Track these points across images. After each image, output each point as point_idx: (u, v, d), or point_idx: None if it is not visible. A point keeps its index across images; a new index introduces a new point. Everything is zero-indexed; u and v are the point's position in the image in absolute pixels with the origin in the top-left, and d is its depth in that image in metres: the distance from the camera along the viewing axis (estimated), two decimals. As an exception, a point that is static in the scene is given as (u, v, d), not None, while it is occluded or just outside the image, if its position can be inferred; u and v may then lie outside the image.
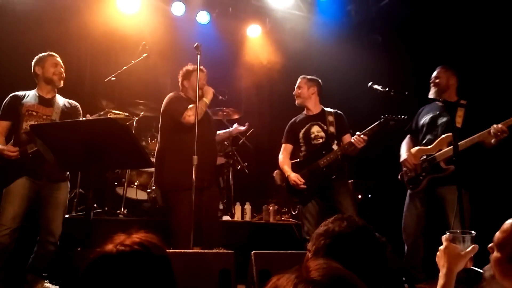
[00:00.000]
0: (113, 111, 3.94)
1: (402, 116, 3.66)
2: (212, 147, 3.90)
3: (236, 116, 5.42)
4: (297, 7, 6.33)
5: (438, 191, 3.53)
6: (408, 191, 3.75)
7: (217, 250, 2.41)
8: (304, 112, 4.02)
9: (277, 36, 6.46)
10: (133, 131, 4.91)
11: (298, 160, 3.94)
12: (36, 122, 3.22)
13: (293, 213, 4.36)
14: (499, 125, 3.26)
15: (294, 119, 4.05)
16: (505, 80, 4.22)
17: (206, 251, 2.44)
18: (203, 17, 6.17)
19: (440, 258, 1.60)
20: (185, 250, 2.47)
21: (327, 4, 6.14)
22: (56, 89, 3.51)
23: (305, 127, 3.91)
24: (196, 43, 3.65)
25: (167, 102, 3.75)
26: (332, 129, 3.84)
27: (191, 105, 3.61)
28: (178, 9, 5.99)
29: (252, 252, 2.54)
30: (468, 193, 3.37)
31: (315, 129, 3.87)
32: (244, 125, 4.45)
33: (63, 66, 3.52)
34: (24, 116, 3.27)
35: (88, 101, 4.83)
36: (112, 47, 5.70)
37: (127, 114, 4.02)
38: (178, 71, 6.22)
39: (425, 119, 3.75)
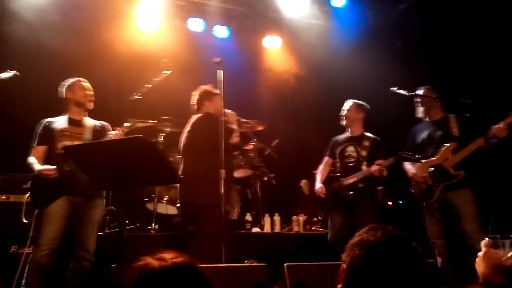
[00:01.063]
0: (140, 120, 4.03)
1: (416, 156, 3.80)
2: (233, 166, 4.03)
3: (260, 128, 5.42)
4: (314, 16, 6.33)
5: (446, 197, 3.66)
6: (423, 204, 3.80)
7: (249, 264, 2.40)
8: (348, 132, 4.32)
9: (296, 46, 6.48)
10: (160, 147, 4.98)
11: (332, 174, 4.29)
12: (70, 141, 3.34)
13: (320, 218, 4.47)
14: (500, 125, 3.42)
15: (338, 136, 4.38)
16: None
17: (239, 264, 2.43)
18: (222, 31, 6.25)
19: (480, 265, 1.56)
20: (218, 265, 2.47)
21: (344, 11, 6.12)
22: (86, 112, 3.63)
23: (343, 146, 4.23)
24: (218, 59, 3.67)
25: (207, 122, 3.74)
26: (364, 153, 4.11)
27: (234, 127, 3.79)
28: (197, 25, 6.08)
29: (285, 264, 2.51)
30: (473, 195, 3.59)
31: (350, 149, 4.18)
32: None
33: (92, 89, 3.65)
34: (58, 137, 3.39)
35: (113, 120, 4.92)
36: (134, 65, 5.80)
37: (155, 121, 4.12)
38: (200, 86, 6.33)
39: (422, 136, 3.90)
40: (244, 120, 4.25)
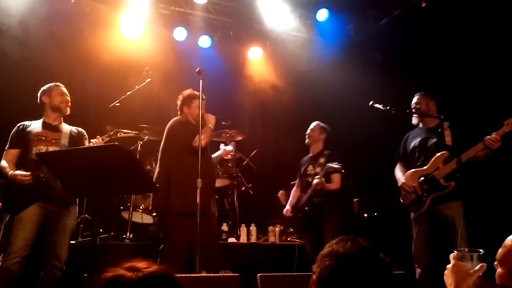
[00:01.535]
0: (122, 130, 3.99)
1: (337, 166, 4.13)
2: (212, 171, 4.00)
3: (239, 138, 5.45)
4: (297, 28, 6.43)
5: (437, 209, 3.55)
6: (412, 215, 3.75)
7: (223, 274, 2.41)
8: (310, 152, 4.54)
9: (279, 57, 6.55)
10: (137, 155, 4.95)
11: (302, 194, 4.49)
12: (45, 146, 3.29)
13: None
14: (493, 135, 3.34)
15: (304, 157, 4.62)
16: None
17: (212, 274, 2.43)
18: (204, 41, 6.29)
19: (448, 277, 1.59)
20: (192, 274, 2.46)
21: (327, 24, 6.22)
22: (62, 117, 3.58)
23: (305, 166, 4.47)
24: (198, 68, 3.70)
25: (178, 126, 3.80)
26: (318, 169, 4.29)
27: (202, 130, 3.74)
28: (180, 34, 6.10)
29: (258, 275, 2.53)
30: (463, 208, 3.42)
31: (309, 168, 4.41)
32: (230, 144, 4.79)
33: (68, 95, 3.61)
34: (34, 141, 3.32)
35: (93, 126, 4.87)
36: (117, 72, 5.79)
37: (136, 132, 4.09)
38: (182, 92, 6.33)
39: (414, 143, 3.80)
40: (224, 123, 4.25)
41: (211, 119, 3.85)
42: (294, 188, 4.65)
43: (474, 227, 3.40)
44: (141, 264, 1.17)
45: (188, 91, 3.98)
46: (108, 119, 5.08)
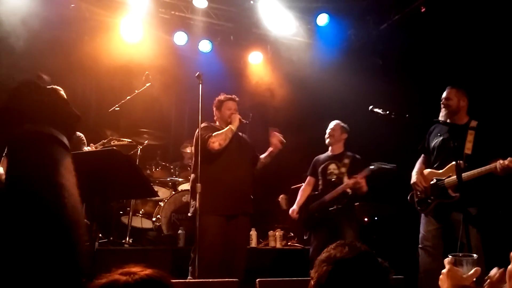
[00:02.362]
0: (116, 138, 3.98)
1: (390, 166, 3.93)
2: (245, 174, 3.86)
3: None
4: (298, 33, 6.44)
5: (452, 216, 3.45)
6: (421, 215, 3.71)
7: (221, 279, 2.39)
8: (329, 151, 4.41)
9: (279, 62, 6.56)
10: (137, 160, 4.95)
11: (315, 193, 4.32)
12: None
13: (305, 237, 4.42)
14: (506, 162, 3.15)
15: (320, 155, 4.45)
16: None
17: (210, 280, 2.42)
18: (205, 45, 6.29)
19: (443, 282, 1.59)
20: (189, 280, 2.45)
21: (327, 29, 6.22)
22: None
23: (324, 164, 4.29)
24: (198, 73, 3.71)
25: (200, 131, 3.72)
26: (343, 169, 4.16)
27: (216, 132, 3.68)
28: (180, 38, 6.11)
29: (257, 280, 2.51)
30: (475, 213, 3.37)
31: (332, 167, 4.23)
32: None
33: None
34: None
35: (93, 131, 4.90)
36: (117, 77, 5.80)
37: (130, 140, 4.07)
38: (181, 100, 6.33)
39: (436, 141, 3.68)
40: (244, 121, 4.00)
41: (234, 120, 3.79)
42: (303, 187, 4.48)
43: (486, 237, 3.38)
44: (136, 269, 1.17)
45: (220, 96, 4.00)
46: (108, 123, 5.09)
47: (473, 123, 3.56)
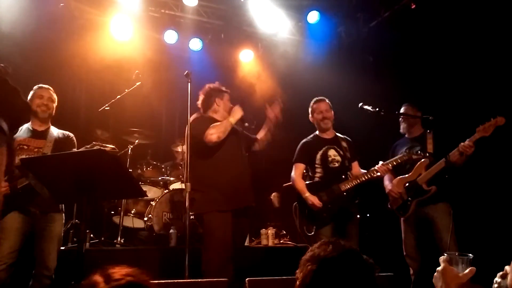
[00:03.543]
0: (99, 144, 3.94)
1: (424, 153, 3.73)
2: (244, 166, 3.70)
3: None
4: (288, 31, 6.43)
5: (424, 211, 3.74)
6: (401, 219, 3.91)
7: (211, 279, 2.39)
8: (318, 134, 4.03)
9: (270, 60, 6.55)
10: (128, 159, 4.93)
11: (311, 181, 3.88)
12: (27, 155, 3.22)
13: (310, 233, 3.89)
14: (466, 142, 3.51)
15: (306, 140, 4.02)
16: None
17: (199, 280, 2.41)
18: (195, 44, 6.27)
19: (438, 280, 1.58)
20: (179, 280, 2.44)
21: (318, 26, 6.21)
22: (49, 121, 3.53)
23: (322, 150, 3.89)
24: (186, 71, 3.68)
25: (191, 125, 3.52)
26: (348, 154, 3.90)
27: (214, 124, 3.50)
28: (171, 37, 6.08)
29: (247, 279, 2.51)
30: (451, 209, 3.61)
31: (332, 153, 3.88)
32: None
33: (52, 97, 3.54)
34: (16, 151, 3.26)
35: (83, 130, 4.87)
36: (107, 76, 5.77)
37: (113, 146, 4.02)
38: (172, 98, 6.30)
39: (401, 151, 3.93)
40: (247, 125, 3.84)
41: (235, 113, 3.58)
42: (298, 173, 3.93)
43: (459, 227, 3.51)
44: (117, 274, 1.16)
45: (216, 84, 3.82)
46: (98, 123, 5.06)
47: (429, 131, 3.88)
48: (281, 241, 5.14)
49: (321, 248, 1.44)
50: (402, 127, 4.08)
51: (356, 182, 3.74)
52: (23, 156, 3.19)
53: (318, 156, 3.88)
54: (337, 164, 3.83)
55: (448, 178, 3.51)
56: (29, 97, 3.47)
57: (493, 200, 4.16)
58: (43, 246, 3.24)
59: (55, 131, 3.52)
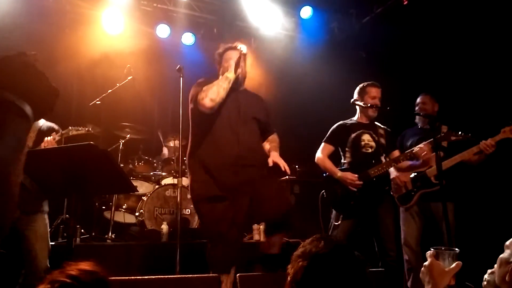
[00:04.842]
0: (75, 128, 3.88)
1: (466, 135, 3.52)
2: (250, 140, 3.02)
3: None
4: (282, 26, 6.41)
5: (432, 207, 3.69)
6: (402, 210, 3.85)
7: (202, 275, 2.38)
8: (356, 119, 3.83)
9: (263, 55, 6.52)
10: (119, 154, 4.90)
11: (339, 168, 3.70)
12: None
13: (337, 222, 3.69)
14: (488, 140, 3.41)
15: (342, 122, 3.82)
16: (485, 96, 4.30)
17: (190, 275, 2.41)
18: (188, 38, 6.24)
19: (425, 275, 1.60)
20: (169, 276, 2.44)
21: (311, 22, 6.21)
22: None
23: (356, 133, 3.70)
24: (179, 66, 3.66)
25: (191, 90, 3.09)
26: (383, 140, 3.70)
27: (207, 86, 2.93)
28: (163, 31, 6.04)
29: (238, 274, 2.52)
30: (453, 206, 3.59)
31: (366, 138, 3.69)
32: None
33: None
34: None
35: (74, 124, 4.81)
36: (98, 70, 5.72)
37: (88, 129, 3.96)
38: (164, 93, 6.26)
39: (412, 140, 3.89)
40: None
41: (230, 67, 3.03)
42: (325, 153, 3.76)
43: (462, 228, 3.50)
44: (63, 271, 1.20)
45: (220, 47, 3.35)
46: (90, 117, 5.00)
47: (444, 127, 3.74)
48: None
49: (313, 244, 1.43)
50: (418, 117, 3.98)
51: (386, 167, 3.57)
52: None
53: (350, 139, 3.70)
54: (370, 150, 3.65)
55: (456, 176, 3.44)
56: None
57: (487, 198, 4.18)
58: (29, 247, 3.17)
59: (40, 123, 3.47)
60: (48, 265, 3.20)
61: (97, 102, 4.73)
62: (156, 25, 6.03)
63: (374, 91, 3.75)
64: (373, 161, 3.61)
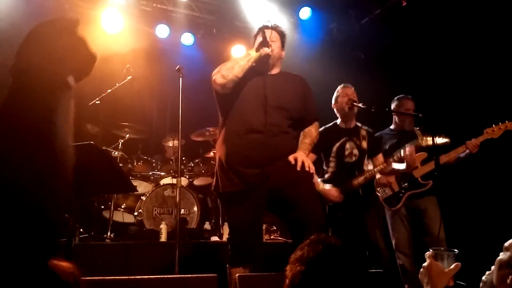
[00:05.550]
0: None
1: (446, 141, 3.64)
2: (273, 130, 2.67)
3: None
4: (281, 26, 6.40)
5: (414, 203, 3.72)
6: (388, 212, 3.85)
7: (200, 275, 2.39)
8: (338, 124, 3.75)
9: (262, 55, 6.53)
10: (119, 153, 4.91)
11: (322, 178, 3.64)
12: None
13: None
14: (473, 140, 3.54)
15: (324, 129, 3.65)
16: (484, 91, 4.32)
17: (189, 275, 2.41)
18: (187, 38, 6.25)
19: (424, 275, 1.61)
20: (168, 276, 2.44)
21: (310, 23, 6.22)
22: None
23: (340, 142, 3.62)
24: (178, 66, 3.67)
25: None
26: (365, 145, 3.62)
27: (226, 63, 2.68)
28: (162, 31, 6.05)
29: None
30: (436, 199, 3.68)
31: (350, 146, 3.61)
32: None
33: None
34: None
35: (73, 124, 4.81)
36: (97, 70, 5.69)
37: (92, 142, 3.95)
38: (163, 93, 6.26)
39: (391, 142, 3.89)
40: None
41: (256, 45, 2.73)
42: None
43: (448, 223, 3.56)
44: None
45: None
46: (89, 117, 5.01)
47: (418, 128, 3.90)
48: (272, 237, 5.14)
49: (311, 248, 1.38)
50: (408, 121, 3.91)
51: (368, 176, 3.54)
52: None
53: (334, 148, 3.62)
54: (354, 159, 3.59)
55: (438, 174, 3.47)
56: None
57: (483, 197, 4.20)
58: None
59: None
60: None
61: (96, 102, 4.74)
62: (156, 25, 6.04)
63: (348, 91, 3.76)
64: (356, 171, 3.61)
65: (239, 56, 2.69)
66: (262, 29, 2.88)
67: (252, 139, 2.62)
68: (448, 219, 3.66)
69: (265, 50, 2.68)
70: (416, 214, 3.73)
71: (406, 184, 3.71)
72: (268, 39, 2.74)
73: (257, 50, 2.69)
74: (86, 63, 1.07)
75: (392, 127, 4.05)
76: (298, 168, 2.57)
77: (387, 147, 3.89)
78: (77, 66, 1.03)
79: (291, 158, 2.63)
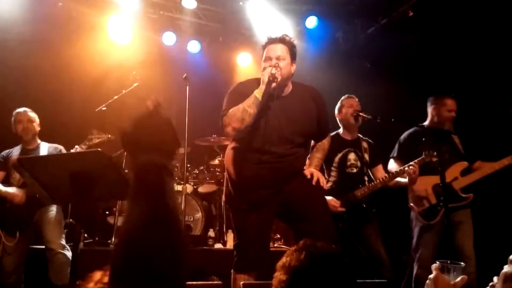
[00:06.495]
0: (96, 136, 3.97)
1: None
2: (286, 152, 2.69)
3: (227, 143, 5.42)
4: (287, 35, 6.43)
5: (451, 216, 3.35)
6: (419, 224, 3.59)
7: (205, 282, 2.38)
8: (340, 134, 3.77)
9: (267, 64, 6.55)
10: (124, 160, 4.92)
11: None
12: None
13: None
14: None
15: None
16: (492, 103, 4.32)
17: (194, 282, 2.41)
18: (193, 46, 6.29)
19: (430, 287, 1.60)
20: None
21: (316, 31, 6.24)
22: (37, 139, 3.77)
23: (342, 152, 3.66)
24: (185, 75, 3.70)
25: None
26: (367, 157, 3.65)
27: (232, 108, 2.59)
28: (169, 38, 6.10)
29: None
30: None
31: (352, 157, 3.65)
32: None
33: (30, 119, 3.75)
34: (11, 169, 3.56)
35: (80, 131, 4.84)
36: (104, 77, 5.76)
37: (110, 136, 4.03)
38: (169, 100, 6.28)
39: (425, 143, 3.59)
40: None
41: (263, 77, 2.59)
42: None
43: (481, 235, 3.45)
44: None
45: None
46: (95, 123, 5.03)
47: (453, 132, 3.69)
48: (275, 245, 5.13)
49: (294, 256, 1.29)
50: (433, 114, 3.73)
51: (372, 188, 3.53)
52: (17, 175, 3.50)
53: (337, 159, 3.65)
54: (355, 170, 3.62)
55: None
56: (12, 123, 3.74)
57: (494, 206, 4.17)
58: (43, 229, 3.63)
59: (45, 147, 3.75)
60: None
61: (103, 108, 4.77)
62: (162, 32, 6.09)
63: (352, 102, 3.75)
64: (358, 182, 3.61)
65: (248, 101, 2.54)
66: (269, 44, 2.85)
67: (266, 160, 2.64)
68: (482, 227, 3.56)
69: (273, 85, 2.58)
70: (448, 226, 3.41)
71: (444, 196, 3.29)
72: (272, 66, 2.64)
73: (265, 90, 2.56)
74: (172, 148, 1.19)
75: (427, 123, 3.76)
76: (314, 183, 2.67)
77: (421, 144, 3.61)
78: (167, 151, 1.15)
79: (307, 172, 2.75)
